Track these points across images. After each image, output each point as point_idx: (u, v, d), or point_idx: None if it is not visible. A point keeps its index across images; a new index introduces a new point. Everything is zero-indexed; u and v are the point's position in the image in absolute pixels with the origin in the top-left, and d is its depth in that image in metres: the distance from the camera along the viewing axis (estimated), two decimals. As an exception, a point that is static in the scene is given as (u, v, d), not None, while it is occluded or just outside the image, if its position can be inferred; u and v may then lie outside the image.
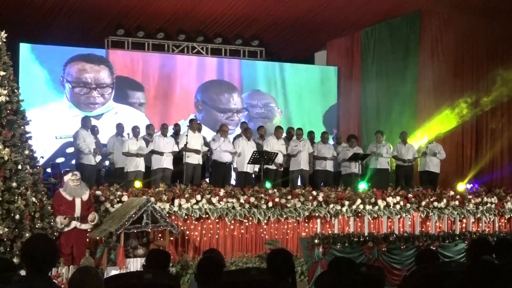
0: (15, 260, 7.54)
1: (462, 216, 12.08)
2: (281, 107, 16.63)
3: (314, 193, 11.34)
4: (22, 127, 8.52)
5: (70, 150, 13.51)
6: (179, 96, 15.86)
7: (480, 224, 12.10)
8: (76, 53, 15.02)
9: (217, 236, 10.58)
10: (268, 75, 16.68)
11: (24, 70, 14.28)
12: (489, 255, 5.31)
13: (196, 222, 10.46)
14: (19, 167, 8.25)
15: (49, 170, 12.04)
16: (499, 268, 4.34)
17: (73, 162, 12.69)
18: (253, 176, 12.70)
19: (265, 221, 10.84)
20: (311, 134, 13.96)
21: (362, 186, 12.12)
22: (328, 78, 17.17)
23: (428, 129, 14.61)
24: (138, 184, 11.06)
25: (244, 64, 16.58)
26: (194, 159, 12.22)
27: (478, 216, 12.22)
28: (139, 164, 12.07)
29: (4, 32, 8.55)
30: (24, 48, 14.49)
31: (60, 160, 13.75)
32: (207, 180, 12.43)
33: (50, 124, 14.09)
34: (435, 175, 13.73)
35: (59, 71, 14.83)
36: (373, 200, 11.55)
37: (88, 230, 9.22)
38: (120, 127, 12.90)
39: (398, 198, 11.73)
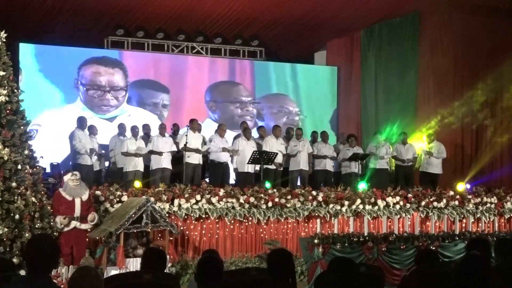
0: (15, 260, 7.54)
1: (462, 216, 12.08)
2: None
3: (314, 193, 11.32)
4: (22, 127, 8.50)
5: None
6: (190, 98, 15.90)
7: (480, 224, 12.12)
8: (78, 53, 15.06)
9: (216, 236, 10.56)
10: (267, 75, 16.68)
11: (23, 70, 14.28)
12: (486, 254, 5.35)
13: (195, 222, 10.45)
14: (19, 167, 8.24)
15: (48, 170, 12.03)
16: (482, 260, 4.39)
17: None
18: (254, 175, 12.68)
19: (265, 221, 10.82)
20: (314, 134, 13.96)
21: (362, 186, 12.12)
22: (328, 78, 17.17)
23: (427, 129, 14.59)
24: (137, 184, 11.06)
25: (244, 64, 16.58)
26: (194, 159, 12.22)
27: (478, 216, 12.22)
28: (138, 164, 12.07)
29: (4, 32, 8.54)
30: (24, 48, 14.47)
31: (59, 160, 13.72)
32: (207, 180, 12.42)
33: (62, 127, 13.72)
34: (436, 176, 13.71)
35: (59, 71, 14.81)
36: (372, 200, 11.53)
37: (88, 230, 9.21)
38: (121, 127, 12.90)
39: (397, 198, 11.71)
